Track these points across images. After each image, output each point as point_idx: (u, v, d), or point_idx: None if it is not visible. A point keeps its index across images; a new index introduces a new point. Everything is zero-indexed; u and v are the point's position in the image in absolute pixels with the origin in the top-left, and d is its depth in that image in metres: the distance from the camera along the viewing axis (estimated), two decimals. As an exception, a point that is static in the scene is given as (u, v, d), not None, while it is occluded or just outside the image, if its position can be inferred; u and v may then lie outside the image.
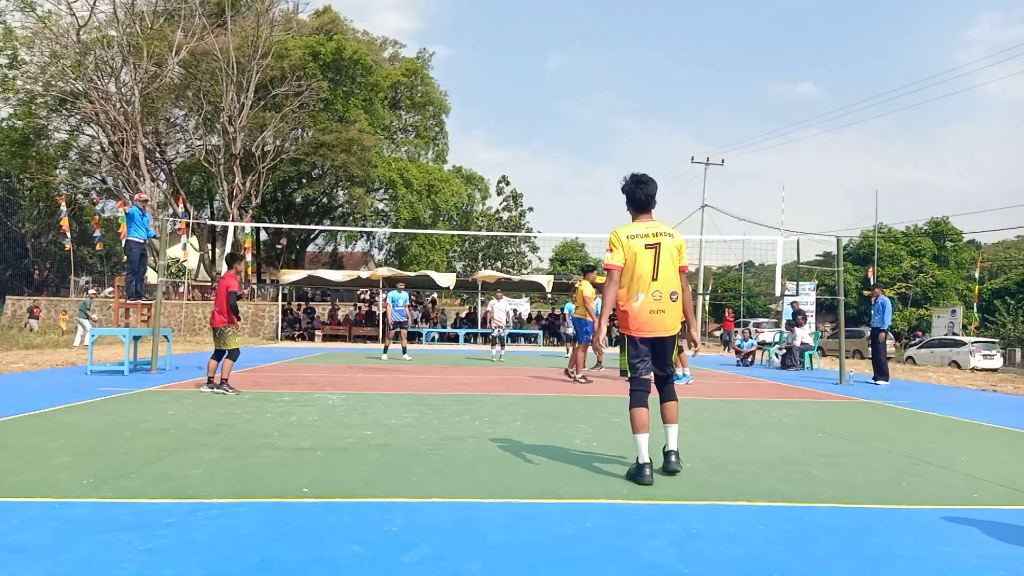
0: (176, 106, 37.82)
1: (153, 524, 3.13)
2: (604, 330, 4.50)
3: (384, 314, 17.26)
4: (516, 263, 51.90)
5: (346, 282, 28.97)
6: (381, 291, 28.96)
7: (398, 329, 15.79)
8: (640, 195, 4.35)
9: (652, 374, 4.34)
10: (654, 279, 4.20)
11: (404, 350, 16.01)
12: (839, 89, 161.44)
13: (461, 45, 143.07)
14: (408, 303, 16.43)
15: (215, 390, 8.16)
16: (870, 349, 12.87)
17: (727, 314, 29.51)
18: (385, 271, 27.75)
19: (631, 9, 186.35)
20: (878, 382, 11.86)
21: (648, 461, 4.11)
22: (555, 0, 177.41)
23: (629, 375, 4.32)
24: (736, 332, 23.05)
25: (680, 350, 11.14)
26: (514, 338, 27.62)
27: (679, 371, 10.87)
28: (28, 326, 25.86)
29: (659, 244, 4.22)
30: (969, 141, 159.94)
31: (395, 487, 3.90)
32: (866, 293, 43.13)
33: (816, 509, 3.68)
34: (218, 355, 8.34)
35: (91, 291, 28.25)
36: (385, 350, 15.99)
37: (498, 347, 16.53)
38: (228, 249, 13.58)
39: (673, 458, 4.29)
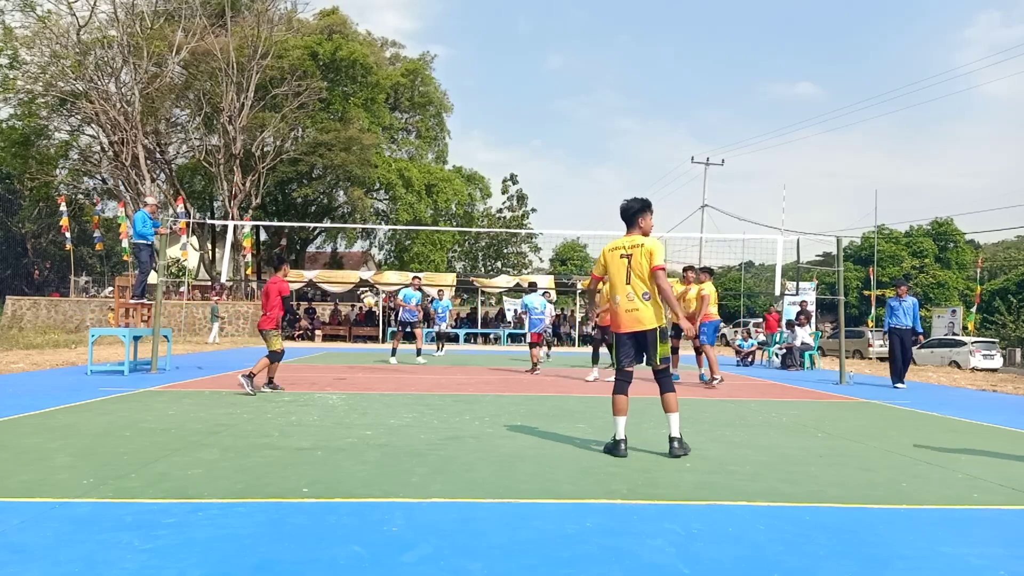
0: (176, 106, 37.83)
1: (153, 524, 3.13)
2: (604, 318, 5.49)
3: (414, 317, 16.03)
4: (517, 263, 51.87)
5: (349, 286, 29.04)
6: (382, 292, 28.95)
7: (408, 329, 15.02)
8: (624, 214, 5.20)
9: (634, 367, 5.14)
10: (627, 283, 5.02)
11: (419, 352, 15.27)
12: (839, 89, 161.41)
13: (461, 45, 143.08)
14: (420, 302, 15.49)
15: (258, 389, 8.23)
16: (889, 350, 12.19)
17: (769, 315, 22.68)
18: (393, 276, 27.75)
19: (631, 9, 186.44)
20: (897, 385, 11.53)
21: (623, 438, 4.94)
22: (555, 0, 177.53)
23: (616, 367, 5.18)
24: (737, 332, 22.91)
25: (675, 351, 11.14)
26: (515, 338, 27.63)
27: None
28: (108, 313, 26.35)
29: (632, 255, 5.03)
30: (969, 141, 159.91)
31: (395, 487, 3.90)
32: (868, 293, 43.09)
33: (816, 509, 3.69)
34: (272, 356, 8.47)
35: (216, 297, 30.00)
36: (439, 348, 15.60)
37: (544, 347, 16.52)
38: (228, 249, 13.59)
39: (675, 444, 4.95)
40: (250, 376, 8.13)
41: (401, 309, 15.05)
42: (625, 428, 4.98)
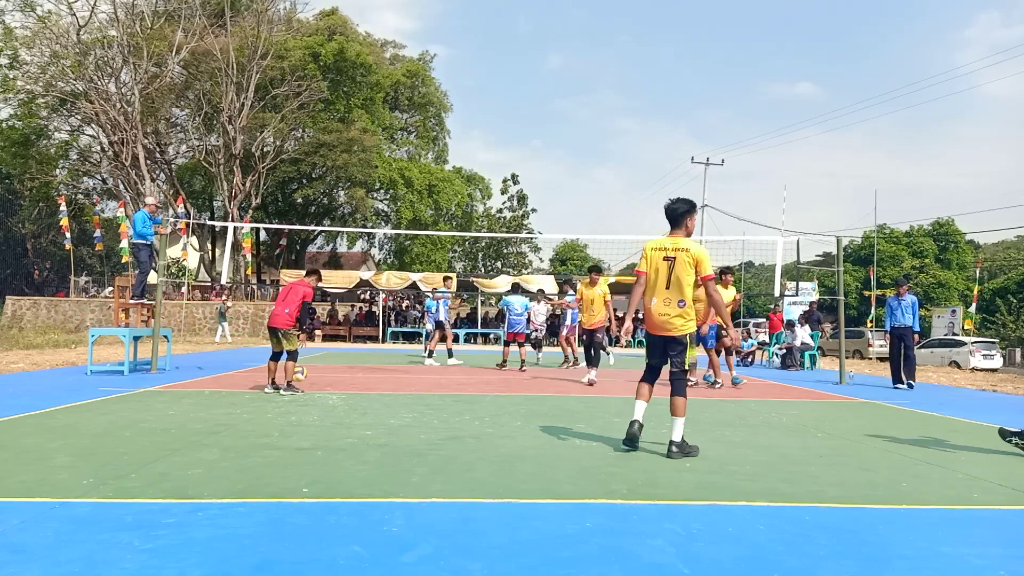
0: (176, 106, 37.84)
1: (153, 524, 3.13)
2: (628, 322, 5.61)
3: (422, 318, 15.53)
4: (517, 263, 51.86)
5: (348, 287, 28.98)
6: (382, 293, 28.94)
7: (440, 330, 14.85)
8: (670, 214, 5.17)
9: (659, 364, 5.19)
10: (666, 287, 5.00)
11: (449, 353, 14.78)
12: (839, 89, 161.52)
13: (461, 45, 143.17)
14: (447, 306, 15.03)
15: (281, 391, 8.28)
16: (890, 350, 12.05)
17: (773, 315, 21.97)
18: (394, 277, 27.72)
19: (631, 9, 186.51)
20: (897, 386, 11.42)
21: (636, 419, 5.05)
22: (555, 0, 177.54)
23: (646, 361, 5.31)
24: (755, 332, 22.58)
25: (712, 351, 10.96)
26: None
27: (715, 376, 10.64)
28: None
29: (675, 258, 4.98)
30: (969, 141, 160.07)
31: (395, 487, 3.89)
32: (868, 293, 43.08)
33: (816, 509, 3.68)
34: (276, 356, 8.50)
35: (223, 297, 30.38)
36: (430, 353, 14.96)
37: (537, 350, 16.38)
38: (228, 250, 13.56)
39: (673, 448, 4.96)
40: (288, 385, 8.36)
41: (440, 309, 14.60)
42: (644, 415, 5.11)
